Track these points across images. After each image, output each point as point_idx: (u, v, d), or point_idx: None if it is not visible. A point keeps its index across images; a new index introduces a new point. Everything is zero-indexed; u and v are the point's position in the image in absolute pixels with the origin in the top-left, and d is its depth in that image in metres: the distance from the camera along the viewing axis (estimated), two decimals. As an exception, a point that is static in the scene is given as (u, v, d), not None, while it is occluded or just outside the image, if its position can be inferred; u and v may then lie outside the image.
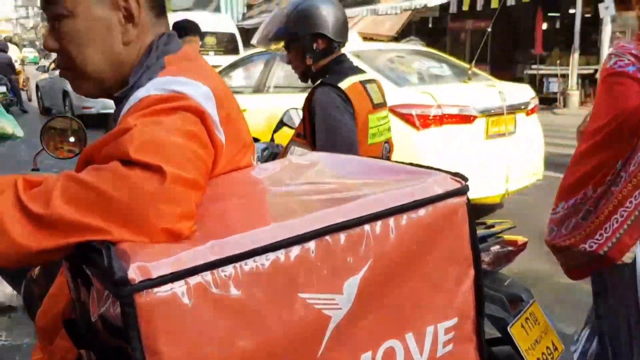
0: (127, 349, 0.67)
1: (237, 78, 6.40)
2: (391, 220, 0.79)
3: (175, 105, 0.87)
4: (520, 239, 1.98)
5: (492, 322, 1.71)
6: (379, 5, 16.02)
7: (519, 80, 13.33)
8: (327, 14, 2.12)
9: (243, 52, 10.56)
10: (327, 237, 0.75)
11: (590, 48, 12.62)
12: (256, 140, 3.71)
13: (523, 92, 4.95)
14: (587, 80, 12.59)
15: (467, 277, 0.88)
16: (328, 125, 2.02)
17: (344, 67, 2.17)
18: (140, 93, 0.92)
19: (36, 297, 1.61)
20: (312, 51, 2.13)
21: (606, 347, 1.93)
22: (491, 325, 1.70)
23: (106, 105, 9.13)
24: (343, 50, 2.22)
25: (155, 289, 0.66)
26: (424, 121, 4.18)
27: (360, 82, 2.15)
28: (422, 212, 0.82)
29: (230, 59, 7.27)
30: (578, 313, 3.30)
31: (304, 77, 2.26)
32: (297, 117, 2.75)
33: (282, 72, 5.53)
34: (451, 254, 0.86)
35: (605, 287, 1.92)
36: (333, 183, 0.92)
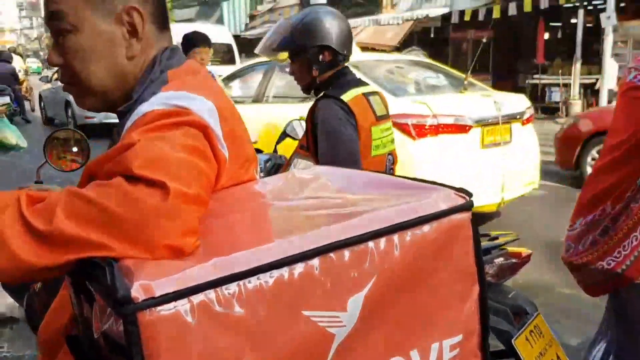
0: (130, 367, 0.67)
1: (237, 88, 6.47)
2: (395, 237, 0.79)
3: (178, 120, 0.87)
4: (525, 250, 1.97)
5: (497, 334, 1.70)
6: (381, 15, 16.09)
7: (521, 89, 13.35)
8: (334, 26, 2.13)
9: (239, 62, 10.68)
10: (331, 254, 0.75)
11: (592, 58, 12.64)
12: (259, 151, 3.72)
13: (518, 102, 5.01)
14: (589, 90, 12.60)
15: (472, 293, 0.88)
16: (330, 138, 2.02)
17: (346, 80, 2.17)
18: (143, 108, 0.92)
19: (38, 310, 1.61)
20: (319, 63, 2.13)
21: None
22: (495, 338, 1.68)
23: (108, 115, 9.08)
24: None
25: (159, 308, 0.66)
26: (420, 131, 4.22)
27: (363, 94, 2.15)
28: (426, 228, 0.81)
29: (227, 68, 7.34)
30: (582, 325, 3.29)
31: (307, 89, 2.26)
32: (300, 129, 2.76)
33: (281, 82, 5.62)
34: (456, 270, 0.85)
35: (623, 306, 1.87)
36: (336, 198, 0.92)
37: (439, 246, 0.83)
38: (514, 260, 1.93)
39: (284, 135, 2.85)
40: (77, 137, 1.91)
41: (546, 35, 13.83)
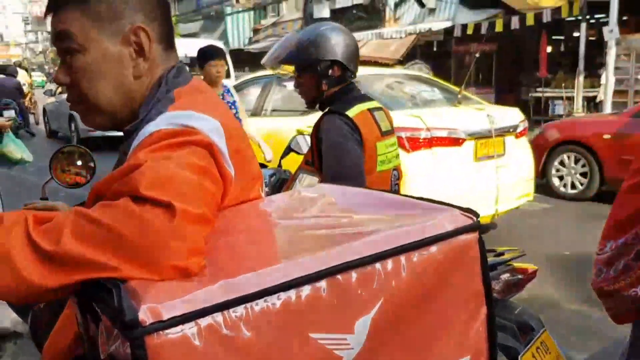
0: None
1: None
2: (402, 258, 0.79)
3: (185, 140, 0.87)
4: (530, 267, 1.96)
5: (503, 351, 1.69)
6: (383, 29, 16.17)
7: (524, 103, 13.37)
8: (344, 42, 2.15)
9: (234, 76, 10.95)
10: (339, 276, 0.75)
11: (595, 71, 12.65)
12: (263, 166, 3.73)
13: (512, 116, 5.07)
14: (592, 103, 12.59)
15: (479, 313, 0.87)
16: (335, 153, 2.02)
17: (352, 95, 2.18)
18: (150, 127, 0.92)
19: (42, 327, 1.60)
20: (327, 77, 2.13)
21: None
22: (502, 354, 1.67)
23: (111, 128, 9.24)
24: None
25: (166, 331, 0.65)
26: (414, 144, 4.27)
27: (369, 109, 2.16)
28: (433, 249, 0.81)
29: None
30: (589, 340, 3.26)
31: (312, 103, 2.26)
32: (304, 143, 2.76)
33: (279, 95, 5.68)
34: (463, 291, 0.85)
35: None
36: (342, 217, 0.91)
37: (446, 267, 0.83)
38: (519, 277, 1.92)
39: (289, 149, 2.85)
40: (82, 151, 1.92)
41: (549, 49, 13.86)
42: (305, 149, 2.69)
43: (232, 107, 4.36)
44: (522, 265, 1.96)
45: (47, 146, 11.97)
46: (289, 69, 2.36)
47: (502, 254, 2.02)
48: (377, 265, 0.77)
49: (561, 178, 6.97)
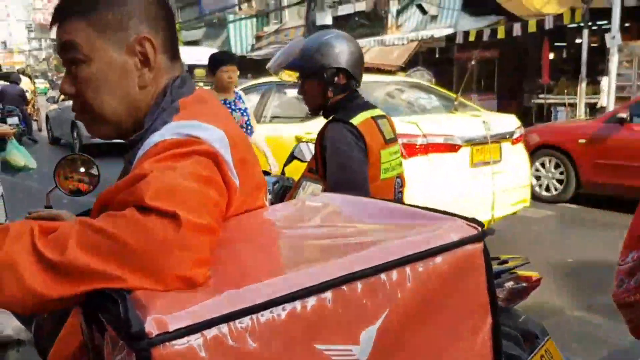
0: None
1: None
2: (408, 269, 0.78)
3: (189, 150, 0.88)
4: (535, 274, 1.96)
5: (508, 359, 1.68)
6: (386, 36, 16.21)
7: (527, 109, 13.37)
8: (351, 50, 2.16)
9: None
10: (344, 287, 0.74)
11: (598, 77, 12.66)
12: (266, 173, 3.73)
13: (508, 122, 5.11)
14: (594, 109, 12.59)
15: (485, 323, 0.87)
16: (340, 162, 2.02)
17: (356, 103, 2.18)
18: (155, 137, 0.92)
19: (46, 335, 1.60)
20: (333, 85, 2.14)
21: None
22: (506, 363, 1.67)
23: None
24: None
25: (172, 342, 0.65)
26: (411, 150, 4.30)
27: (372, 117, 2.16)
28: (438, 259, 0.81)
29: None
30: (593, 348, 3.25)
31: (316, 110, 2.26)
32: (307, 151, 2.77)
33: (277, 102, 5.74)
34: (468, 301, 0.85)
35: None
36: (347, 227, 0.91)
37: (451, 277, 0.83)
38: (524, 284, 1.92)
39: (292, 157, 2.86)
40: (85, 159, 1.92)
41: (551, 55, 13.87)
42: (308, 156, 2.69)
43: (244, 114, 4.28)
44: (526, 273, 1.96)
45: (50, 153, 12.01)
46: (292, 75, 2.35)
47: (506, 261, 2.01)
48: (383, 276, 0.77)
49: (538, 178, 7.15)
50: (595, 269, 4.49)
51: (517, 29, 12.19)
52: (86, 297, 0.78)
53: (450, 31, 14.16)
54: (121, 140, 1.09)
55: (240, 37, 23.19)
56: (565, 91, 12.92)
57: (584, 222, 6.08)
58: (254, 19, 23.36)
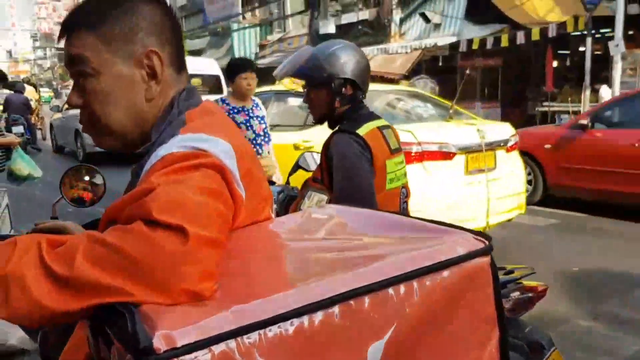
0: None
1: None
2: (415, 283, 0.78)
3: (196, 163, 0.88)
4: (541, 284, 1.95)
5: (513, 371, 1.67)
6: (389, 44, 16.25)
7: (531, 117, 13.36)
8: (358, 62, 2.16)
9: (226, 90, 11.27)
10: (351, 301, 0.74)
11: (595, 86, 12.65)
12: (272, 183, 3.73)
13: (502, 130, 5.15)
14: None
15: (492, 337, 0.87)
16: (346, 172, 2.03)
17: (361, 114, 2.18)
18: (162, 151, 0.92)
19: (52, 346, 1.60)
20: (340, 95, 2.14)
21: None
22: (512, 375, 1.66)
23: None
24: None
25: (180, 358, 0.65)
26: (406, 158, 4.32)
27: (378, 128, 2.16)
28: (446, 273, 0.81)
29: (214, 97, 7.65)
30: (598, 358, 3.23)
31: (321, 119, 2.26)
32: (312, 160, 2.76)
33: (276, 111, 5.80)
34: (476, 315, 0.85)
35: None
36: (353, 240, 0.91)
37: (458, 291, 0.82)
38: (529, 295, 1.91)
39: (297, 166, 2.85)
40: (90, 168, 1.93)
41: (555, 63, 13.88)
42: (313, 166, 2.69)
43: (262, 122, 4.24)
44: (531, 283, 1.95)
45: (54, 161, 12.05)
46: (298, 84, 2.36)
47: (512, 271, 2.00)
48: (390, 290, 0.77)
49: None
50: (599, 278, 4.47)
51: (520, 37, 12.22)
52: (93, 310, 0.78)
53: (453, 39, 14.19)
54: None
55: (244, 45, 23.29)
56: (569, 99, 12.92)
57: (589, 231, 6.05)
58: (258, 28, 23.47)
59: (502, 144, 4.93)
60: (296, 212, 1.59)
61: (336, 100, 2.14)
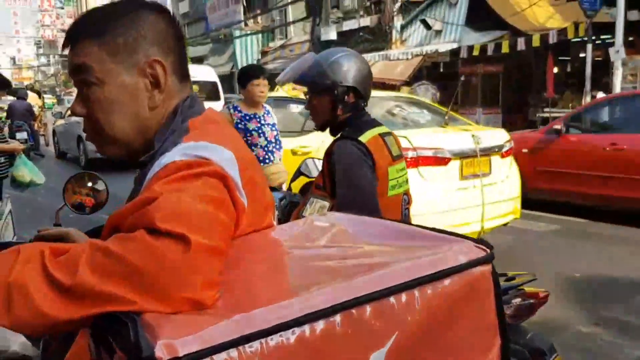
0: None
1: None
2: (417, 291, 0.78)
3: (199, 171, 0.88)
4: (542, 291, 1.95)
5: (515, 378, 1.67)
6: (390, 51, 16.28)
7: (532, 123, 13.35)
8: (360, 70, 2.18)
9: (223, 99, 11.63)
10: (353, 310, 0.74)
11: (603, 91, 12.66)
12: (273, 189, 3.73)
13: (497, 136, 5.19)
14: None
15: (493, 345, 0.87)
16: (349, 179, 2.03)
17: (363, 121, 2.19)
18: (164, 159, 0.93)
19: (53, 353, 1.60)
20: (343, 102, 2.15)
21: None
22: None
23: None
24: None
25: (182, 367, 0.66)
26: None
27: (380, 134, 2.17)
28: (447, 282, 0.81)
29: (212, 104, 7.72)
30: (601, 365, 3.22)
31: (322, 126, 2.27)
32: (313, 167, 2.77)
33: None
34: (477, 323, 0.85)
35: None
36: (355, 248, 0.91)
37: (460, 299, 0.82)
38: (531, 301, 1.91)
39: (299, 173, 2.86)
40: (91, 174, 1.94)
41: (555, 69, 13.90)
42: (315, 172, 2.69)
43: (273, 129, 4.23)
44: (533, 289, 1.95)
45: (57, 167, 12.07)
46: (299, 90, 2.37)
47: (513, 278, 2.00)
48: (392, 298, 0.77)
49: None
50: (601, 283, 4.46)
51: (521, 44, 12.24)
52: (95, 318, 0.78)
53: (454, 46, 14.21)
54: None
55: (246, 52, 23.35)
56: (570, 105, 12.93)
57: (590, 236, 6.04)
58: (260, 35, 23.54)
59: (496, 150, 4.97)
60: (298, 218, 1.59)
61: (338, 108, 2.15)
